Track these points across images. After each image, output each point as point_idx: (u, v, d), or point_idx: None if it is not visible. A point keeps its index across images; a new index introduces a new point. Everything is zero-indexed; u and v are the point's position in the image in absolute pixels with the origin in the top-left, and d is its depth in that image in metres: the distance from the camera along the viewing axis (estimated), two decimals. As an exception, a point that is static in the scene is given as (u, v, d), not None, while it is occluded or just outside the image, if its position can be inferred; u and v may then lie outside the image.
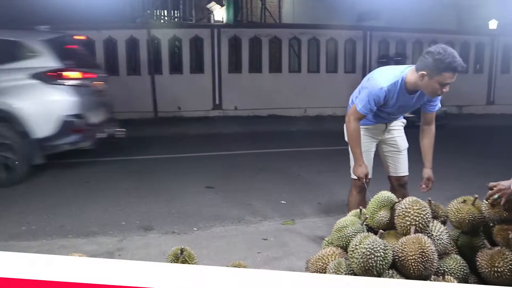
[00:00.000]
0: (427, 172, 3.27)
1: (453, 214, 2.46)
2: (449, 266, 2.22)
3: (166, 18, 16.23)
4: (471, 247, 2.44)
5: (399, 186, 3.42)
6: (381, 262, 1.99)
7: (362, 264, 1.97)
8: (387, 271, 2.03)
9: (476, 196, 2.48)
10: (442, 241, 2.26)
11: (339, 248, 2.31)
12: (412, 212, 2.22)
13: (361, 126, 3.25)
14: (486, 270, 2.25)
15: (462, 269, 2.23)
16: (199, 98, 13.07)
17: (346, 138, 3.32)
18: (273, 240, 3.94)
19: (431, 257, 2.03)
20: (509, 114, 15.07)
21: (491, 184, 2.30)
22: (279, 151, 8.27)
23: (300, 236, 4.00)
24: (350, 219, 2.43)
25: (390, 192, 2.54)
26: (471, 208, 2.42)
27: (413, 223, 2.20)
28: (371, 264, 1.97)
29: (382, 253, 2.01)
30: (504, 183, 2.24)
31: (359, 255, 2.00)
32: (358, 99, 3.13)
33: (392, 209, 2.40)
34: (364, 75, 15.62)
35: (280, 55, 13.78)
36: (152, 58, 12.63)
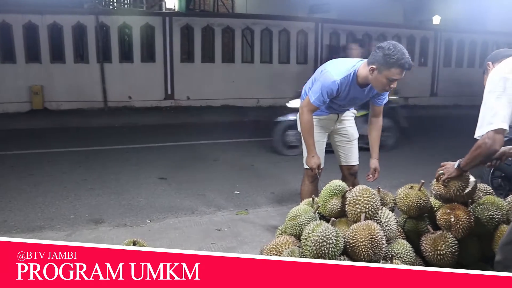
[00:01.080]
0: (374, 162, 3.36)
1: (401, 199, 2.56)
2: (397, 250, 2.31)
3: (115, 4, 15.77)
4: (417, 231, 2.56)
5: (350, 175, 3.50)
6: (333, 249, 2.05)
7: (315, 252, 2.02)
8: (339, 258, 2.09)
9: (423, 181, 2.59)
10: (390, 227, 2.35)
11: (292, 237, 2.34)
12: (362, 200, 2.30)
13: (314, 117, 3.29)
14: (430, 254, 2.38)
15: (409, 253, 2.33)
16: (150, 88, 12.82)
17: (299, 129, 3.35)
18: (227, 230, 3.95)
19: (380, 242, 2.11)
20: (451, 105, 15.87)
21: (443, 163, 2.49)
22: (233, 141, 8.28)
23: (254, 226, 4.03)
24: (303, 208, 2.48)
25: (341, 181, 2.61)
26: (418, 193, 2.53)
27: (363, 211, 2.28)
28: (323, 251, 2.02)
29: (334, 240, 2.06)
30: (451, 163, 2.41)
31: (312, 242, 2.04)
32: (312, 91, 3.16)
33: (343, 197, 2.47)
34: (315, 66, 15.98)
35: (233, 45, 13.73)
36: (101, 45, 12.23)
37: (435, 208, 2.60)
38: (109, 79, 12.36)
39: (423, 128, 10.11)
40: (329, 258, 2.03)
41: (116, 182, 5.41)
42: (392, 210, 2.63)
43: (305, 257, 2.08)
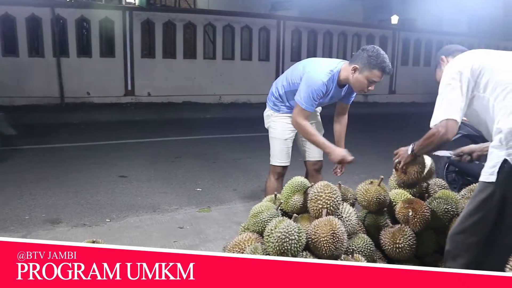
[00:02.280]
0: None
1: (361, 195, 2.62)
2: (357, 245, 2.36)
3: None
4: (377, 226, 2.63)
5: (314, 171, 3.54)
6: (295, 245, 2.06)
7: (277, 248, 2.03)
8: (301, 253, 2.11)
9: (382, 177, 2.66)
10: (351, 222, 2.40)
11: (255, 233, 2.35)
12: (323, 196, 2.32)
13: (281, 115, 3.35)
14: (389, 247, 2.46)
15: (369, 247, 2.38)
16: (110, 84, 12.56)
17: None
18: (189, 228, 3.92)
19: (341, 237, 2.15)
20: (408, 103, 16.39)
21: (395, 151, 2.50)
22: (194, 138, 8.22)
23: (217, 223, 4.02)
24: (265, 204, 2.49)
25: (303, 178, 2.64)
26: (378, 188, 2.59)
27: (325, 206, 2.30)
28: (286, 247, 2.03)
29: (296, 236, 2.07)
30: (403, 148, 2.44)
31: (275, 239, 2.05)
32: (303, 98, 3.14)
33: (305, 193, 2.49)
34: (277, 63, 16.03)
35: (195, 41, 13.63)
36: (57, 39, 11.87)
37: (394, 203, 2.67)
38: (66, 74, 12.03)
39: (383, 124, 10.37)
40: (292, 254, 2.04)
41: (74, 180, 5.28)
42: (352, 205, 2.69)
43: (268, 254, 2.09)
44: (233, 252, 2.29)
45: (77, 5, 12.25)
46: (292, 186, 2.53)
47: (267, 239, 2.09)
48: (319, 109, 3.59)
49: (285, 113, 3.34)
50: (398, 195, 2.70)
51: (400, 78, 17.16)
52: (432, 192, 2.81)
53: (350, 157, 3.14)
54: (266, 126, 3.47)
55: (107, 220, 4.10)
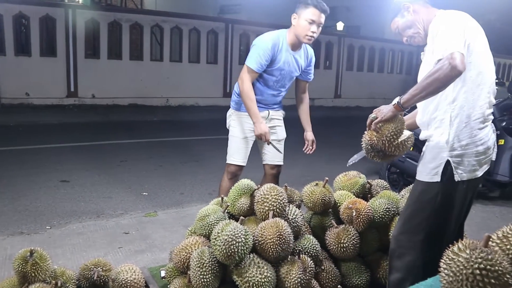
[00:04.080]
0: (310, 135, 3.58)
1: (307, 196, 2.69)
2: (304, 245, 2.41)
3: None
4: (322, 226, 2.71)
5: (271, 176, 3.54)
6: (242, 247, 2.08)
7: (224, 251, 2.03)
8: (248, 256, 2.13)
9: (327, 179, 2.74)
10: (297, 223, 2.45)
11: (202, 237, 2.35)
12: (270, 198, 2.35)
13: (241, 113, 3.39)
14: (334, 247, 2.54)
15: (315, 248, 2.44)
16: (51, 84, 12.08)
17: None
18: (135, 233, 3.85)
19: (288, 239, 2.19)
20: (353, 106, 16.91)
21: (374, 109, 2.22)
22: (140, 141, 8.08)
23: (163, 228, 3.97)
24: (212, 207, 2.49)
25: (249, 180, 2.66)
26: (323, 190, 2.67)
27: (271, 208, 2.33)
28: (233, 250, 2.04)
29: (243, 239, 2.09)
30: (383, 106, 2.19)
31: (222, 242, 2.05)
32: (248, 58, 3.24)
33: (252, 196, 2.51)
34: (225, 66, 16.07)
35: (142, 42, 13.39)
36: (-7, 36, 11.29)
37: (338, 204, 2.75)
38: (3, 73, 11.45)
39: (328, 128, 10.62)
40: (239, 257, 2.06)
41: (11, 186, 5.04)
42: (298, 206, 2.75)
43: (215, 257, 2.10)
44: (180, 256, 2.28)
45: (15, 1, 11.69)
46: (239, 189, 2.55)
47: (214, 242, 2.09)
48: (282, 113, 3.62)
49: (246, 112, 3.35)
50: (343, 196, 2.79)
51: (345, 82, 17.71)
52: (375, 193, 2.93)
53: (268, 137, 3.24)
54: (227, 125, 3.51)
55: (47, 227, 3.94)
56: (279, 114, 3.59)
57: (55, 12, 12.10)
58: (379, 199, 2.72)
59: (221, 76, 14.55)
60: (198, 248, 2.24)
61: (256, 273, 2.05)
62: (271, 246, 2.15)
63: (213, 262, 2.10)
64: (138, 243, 3.63)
